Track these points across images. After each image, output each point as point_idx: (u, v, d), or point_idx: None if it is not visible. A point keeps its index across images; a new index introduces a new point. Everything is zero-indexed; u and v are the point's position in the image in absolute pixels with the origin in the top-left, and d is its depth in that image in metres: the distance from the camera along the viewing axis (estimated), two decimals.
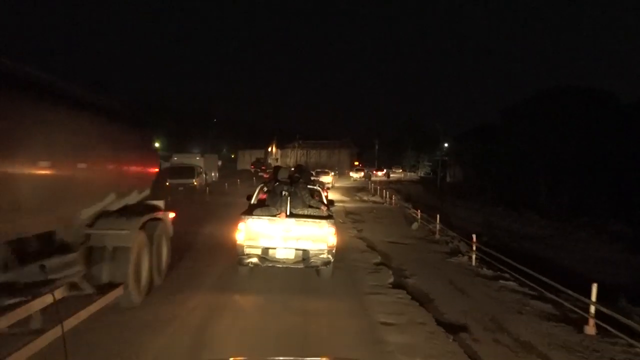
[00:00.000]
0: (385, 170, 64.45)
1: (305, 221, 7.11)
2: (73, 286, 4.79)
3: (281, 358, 3.67)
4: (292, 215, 7.28)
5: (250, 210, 7.56)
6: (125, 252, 5.38)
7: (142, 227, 5.90)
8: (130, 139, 6.34)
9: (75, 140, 4.70)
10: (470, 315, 6.16)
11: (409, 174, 70.32)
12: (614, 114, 31.40)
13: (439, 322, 5.76)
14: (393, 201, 24.16)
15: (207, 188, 26.10)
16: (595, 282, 5.96)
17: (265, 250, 7.04)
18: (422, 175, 64.64)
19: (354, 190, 33.17)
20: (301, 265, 7.13)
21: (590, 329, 5.67)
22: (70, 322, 4.20)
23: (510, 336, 5.45)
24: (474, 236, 9.92)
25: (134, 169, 6.48)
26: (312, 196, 8.19)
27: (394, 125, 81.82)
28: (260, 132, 72.82)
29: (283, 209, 7.32)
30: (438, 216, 13.80)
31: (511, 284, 8.06)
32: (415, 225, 15.26)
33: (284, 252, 7.03)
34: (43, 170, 4.15)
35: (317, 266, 7.19)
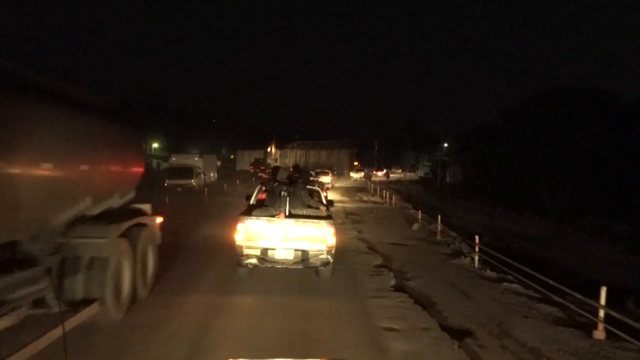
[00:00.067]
0: (385, 171, 64.32)
1: (304, 222, 7.06)
2: (38, 304, 4.31)
3: None
4: (291, 215, 7.25)
5: (249, 211, 7.53)
6: (103, 263, 4.82)
7: (124, 234, 5.38)
8: (111, 135, 5.79)
9: (42, 135, 4.17)
10: (474, 320, 5.97)
11: (408, 174, 70.17)
12: (614, 113, 31.30)
13: (443, 327, 5.59)
14: (393, 201, 23.98)
15: (206, 189, 25.96)
16: (597, 282, 5.82)
17: (264, 251, 7.00)
18: (421, 175, 64.48)
19: (353, 191, 33.00)
20: (300, 266, 7.10)
21: (599, 333, 5.49)
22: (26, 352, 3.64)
23: (518, 342, 5.27)
24: (476, 237, 9.73)
25: (115, 169, 5.94)
26: (312, 196, 8.15)
27: (393, 125, 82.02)
28: (260, 132, 72.67)
29: (282, 209, 7.29)
30: (439, 217, 13.61)
31: (515, 286, 7.87)
32: (416, 226, 15.08)
33: (283, 252, 7.00)
34: (2, 170, 3.67)
35: (317, 267, 7.15)
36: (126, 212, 6.00)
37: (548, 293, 7.01)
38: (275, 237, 6.97)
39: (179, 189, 25.12)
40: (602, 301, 5.54)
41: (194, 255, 9.22)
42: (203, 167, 29.58)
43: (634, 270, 14.61)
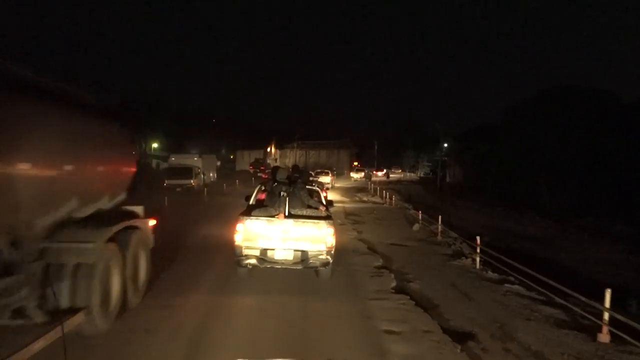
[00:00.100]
0: (385, 171, 64.26)
1: (303, 222, 7.04)
2: (18, 314, 4.04)
3: None
4: (290, 215, 7.24)
5: (248, 211, 7.52)
6: (89, 269, 4.51)
7: (113, 238, 5.07)
8: (99, 133, 5.48)
9: (24, 133, 3.92)
10: (477, 322, 5.88)
11: (408, 174, 70.10)
12: (615, 113, 31.27)
13: (445, 330, 5.50)
14: (393, 202, 23.89)
15: (205, 189, 25.86)
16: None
17: (264, 251, 6.98)
18: (421, 175, 64.41)
19: (353, 191, 32.92)
20: (300, 267, 7.07)
21: (604, 336, 5.39)
22: None
23: (521, 345, 5.18)
24: (477, 238, 9.64)
25: (104, 169, 5.61)
26: (311, 196, 8.12)
27: (393, 125, 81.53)
28: (260, 132, 72.48)
29: (281, 209, 7.28)
30: (440, 217, 13.51)
31: (517, 287, 7.78)
32: (416, 227, 14.99)
33: (283, 253, 6.98)
34: None
35: (316, 267, 7.13)
36: (116, 215, 5.68)
37: (550, 295, 6.92)
38: (274, 237, 6.95)
39: (178, 189, 25.03)
40: (607, 304, 5.45)
41: (193, 256, 9.15)
42: (202, 167, 29.47)
43: (635, 271, 14.54)
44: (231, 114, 77.96)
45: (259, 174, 42.73)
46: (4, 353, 3.43)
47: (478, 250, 9.58)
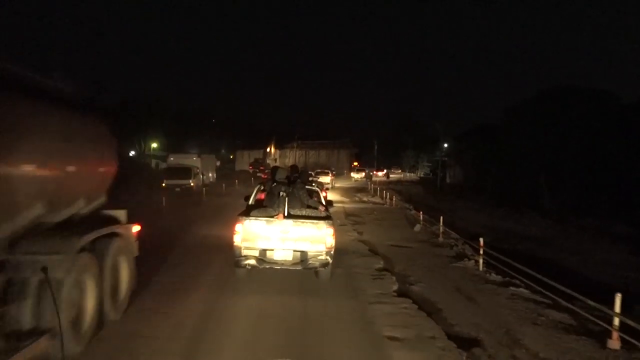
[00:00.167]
0: (385, 171, 64.10)
1: (303, 222, 6.98)
2: None
3: None
4: (290, 216, 7.18)
5: (247, 211, 7.46)
6: (56, 285, 3.86)
7: (88, 248, 4.53)
8: (75, 129, 4.85)
9: None
10: (482, 328, 5.71)
11: (408, 174, 69.92)
12: (615, 114, 31.11)
13: (450, 336, 5.32)
14: (393, 202, 23.72)
15: (204, 189, 25.67)
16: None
17: (263, 251, 6.93)
18: (421, 175, 64.23)
19: (353, 191, 32.76)
20: (299, 267, 7.00)
21: (614, 342, 5.21)
22: None
23: (529, 352, 5.00)
24: (481, 240, 9.46)
25: (78, 168, 4.90)
26: (311, 197, 8.03)
27: (393, 125, 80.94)
28: (259, 132, 72.29)
29: (281, 209, 7.22)
30: (442, 218, 13.33)
31: (522, 290, 7.60)
32: (417, 227, 14.82)
33: (282, 253, 6.93)
34: None
35: (316, 268, 7.05)
36: (93, 221, 5.10)
37: (556, 298, 6.74)
38: (273, 237, 6.92)
39: (177, 190, 24.81)
40: (617, 309, 5.27)
41: (192, 256, 9.03)
42: (201, 167, 29.26)
43: (636, 271, 14.38)
44: (231, 114, 77.79)
45: (258, 174, 42.56)
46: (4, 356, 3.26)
47: (481, 252, 9.40)
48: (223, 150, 72.62)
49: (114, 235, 5.25)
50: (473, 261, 9.76)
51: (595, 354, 5.05)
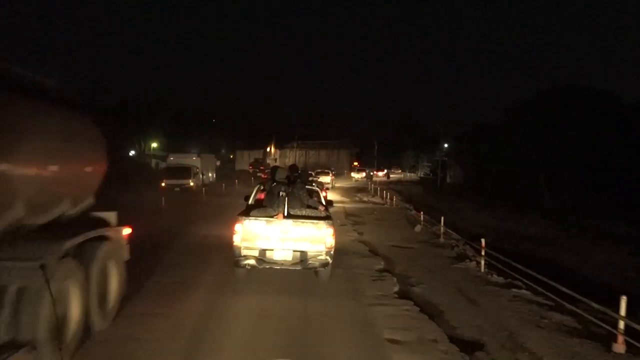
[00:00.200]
0: (385, 171, 64.00)
1: (302, 222, 6.96)
2: None
3: None
4: (289, 216, 7.14)
5: (247, 211, 7.44)
6: (37, 294, 3.58)
7: (73, 253, 4.24)
8: (58, 123, 4.51)
9: None
10: (484, 330, 5.61)
11: (408, 174, 69.81)
12: (616, 113, 31.02)
13: (452, 339, 5.22)
14: (394, 202, 23.63)
15: (204, 189, 25.59)
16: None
17: (263, 251, 6.90)
18: (421, 175, 64.12)
19: (353, 191, 32.68)
20: (299, 267, 6.97)
21: (619, 346, 5.12)
22: None
23: (533, 356, 4.91)
24: (482, 241, 9.37)
25: (64, 167, 4.58)
26: (311, 196, 7.98)
27: (393, 125, 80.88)
28: (259, 132, 72.23)
29: (280, 209, 7.18)
30: (442, 218, 13.24)
31: (524, 292, 7.50)
32: (418, 228, 14.73)
33: (282, 253, 6.91)
34: None
35: (315, 268, 7.01)
36: (80, 223, 4.84)
37: (559, 300, 6.65)
38: (273, 237, 6.90)
39: (176, 189, 24.76)
40: (622, 312, 5.18)
41: (192, 256, 8.97)
42: (201, 167, 29.21)
43: (637, 272, 14.30)
44: (231, 114, 77.71)
45: (258, 174, 42.49)
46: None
47: (483, 253, 9.31)
48: (223, 150, 72.55)
49: (102, 238, 4.96)
50: (474, 262, 9.66)
51: (600, 358, 4.97)
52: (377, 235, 13.08)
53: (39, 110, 4.27)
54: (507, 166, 35.08)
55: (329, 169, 44.14)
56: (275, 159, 60.74)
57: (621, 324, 5.18)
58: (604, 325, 5.57)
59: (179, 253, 9.26)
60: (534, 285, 7.41)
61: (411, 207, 21.86)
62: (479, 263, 9.41)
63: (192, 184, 26.04)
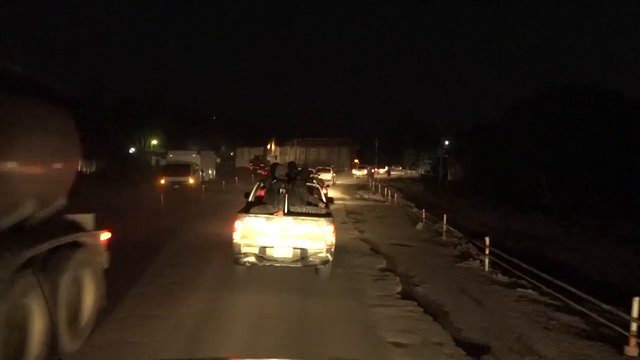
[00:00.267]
0: (386, 168, 63.82)
1: (303, 219, 6.87)
2: None
3: None
4: (289, 213, 7.05)
5: (247, 208, 7.35)
6: None
7: (37, 263, 3.57)
8: (15, 113, 3.78)
9: None
10: (491, 333, 5.43)
11: (409, 172, 69.65)
12: (617, 112, 30.80)
13: (458, 342, 5.04)
14: (395, 200, 23.45)
15: (204, 186, 25.41)
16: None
17: (263, 249, 6.82)
18: (422, 173, 63.95)
19: (354, 188, 32.51)
20: (299, 264, 6.87)
21: (631, 349, 4.93)
22: None
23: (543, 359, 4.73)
24: (486, 239, 9.18)
25: (23, 164, 3.82)
26: (311, 193, 7.87)
27: (394, 123, 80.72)
28: (260, 129, 72.07)
29: (281, 206, 7.08)
30: (445, 216, 13.05)
31: (530, 292, 7.30)
32: (420, 226, 14.55)
33: (282, 250, 6.83)
34: None
35: (316, 265, 6.91)
36: (48, 228, 4.15)
37: (566, 300, 6.47)
38: (273, 235, 6.82)
39: (176, 186, 24.58)
40: (635, 313, 4.99)
41: (191, 254, 8.85)
42: (201, 164, 29.05)
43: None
44: (231, 114, 77.59)
45: (258, 171, 42.31)
46: None
47: (487, 252, 9.13)
48: (223, 148, 72.35)
49: (75, 245, 4.29)
50: (478, 261, 9.48)
51: None
52: (379, 233, 12.90)
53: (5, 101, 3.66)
54: (507, 165, 34.88)
55: (330, 166, 43.95)
56: (276, 156, 60.51)
57: (634, 326, 4.99)
58: (614, 326, 5.38)
59: (179, 251, 9.11)
60: (539, 285, 7.23)
61: (412, 204, 21.69)
62: (482, 262, 9.23)
63: (191, 181, 25.86)
